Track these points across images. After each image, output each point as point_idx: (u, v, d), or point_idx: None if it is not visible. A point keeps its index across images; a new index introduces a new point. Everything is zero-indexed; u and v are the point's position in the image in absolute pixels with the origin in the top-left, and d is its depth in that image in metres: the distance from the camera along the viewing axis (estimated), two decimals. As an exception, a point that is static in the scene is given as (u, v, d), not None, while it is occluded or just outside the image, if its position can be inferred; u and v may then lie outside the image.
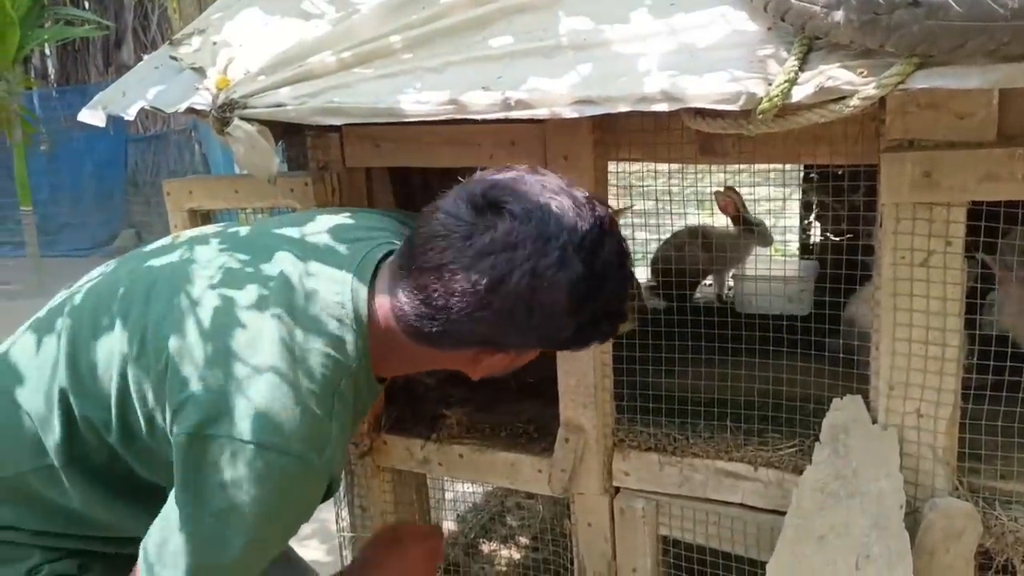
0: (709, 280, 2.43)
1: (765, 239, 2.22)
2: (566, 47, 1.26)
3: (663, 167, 1.59)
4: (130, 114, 1.46)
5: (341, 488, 1.81)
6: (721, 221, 2.26)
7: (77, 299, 1.15)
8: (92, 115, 1.50)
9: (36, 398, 1.10)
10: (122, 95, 1.50)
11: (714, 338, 1.58)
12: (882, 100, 1.11)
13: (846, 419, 1.32)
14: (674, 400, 1.52)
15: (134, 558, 1.23)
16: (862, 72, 1.07)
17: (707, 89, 1.10)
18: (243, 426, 0.99)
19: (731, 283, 2.32)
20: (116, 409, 1.07)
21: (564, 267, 1.00)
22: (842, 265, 1.41)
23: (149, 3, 10.05)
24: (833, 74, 1.07)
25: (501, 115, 1.20)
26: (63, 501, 1.13)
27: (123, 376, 1.06)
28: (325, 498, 1.10)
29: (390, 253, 1.15)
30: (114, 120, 1.51)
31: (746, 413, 1.49)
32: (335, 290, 1.07)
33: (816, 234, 2.48)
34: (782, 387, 1.48)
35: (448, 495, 2.45)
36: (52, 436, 1.09)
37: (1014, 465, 1.30)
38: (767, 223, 2.26)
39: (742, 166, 1.86)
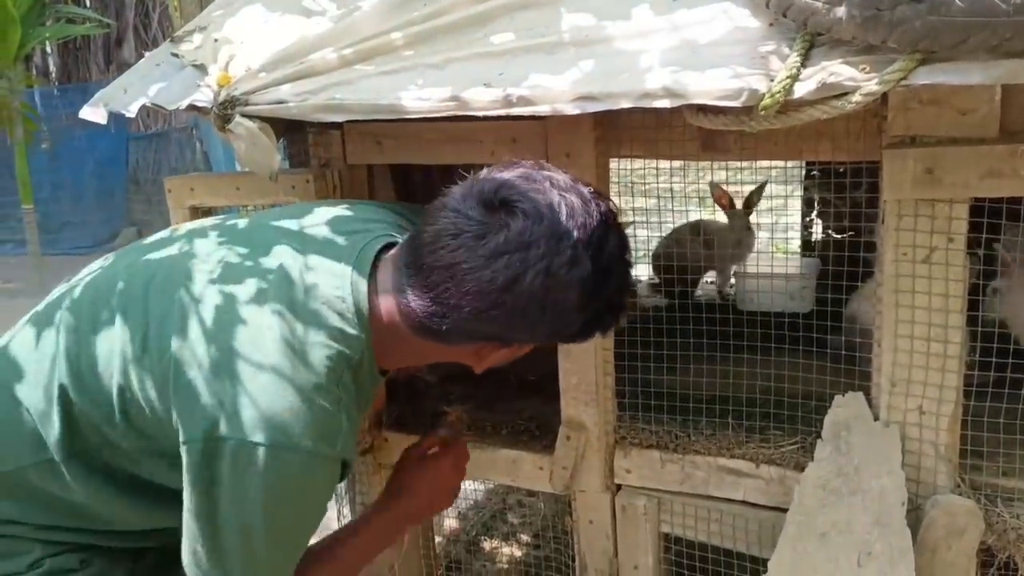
0: (711, 277, 2.43)
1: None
2: (568, 43, 1.26)
3: (664, 165, 1.58)
4: (131, 111, 1.46)
5: (342, 486, 1.81)
6: (722, 218, 2.26)
7: (76, 293, 1.15)
8: (94, 112, 1.50)
9: (35, 393, 1.10)
10: (123, 92, 1.50)
11: (716, 335, 1.58)
12: (884, 96, 1.11)
13: (848, 416, 1.31)
14: (676, 397, 1.52)
15: (136, 551, 1.24)
16: (864, 68, 1.07)
17: (709, 85, 1.10)
18: (252, 428, 0.99)
19: (733, 280, 2.31)
20: (117, 406, 1.07)
21: (576, 265, 1.01)
22: (844, 262, 1.41)
23: (150, 1, 10.04)
24: (835, 70, 1.07)
25: (503, 112, 1.20)
26: (64, 495, 1.13)
27: (125, 375, 1.06)
28: (340, 478, 1.11)
29: (388, 246, 1.15)
30: (115, 118, 1.51)
31: (748, 410, 1.49)
32: (335, 284, 1.07)
33: (818, 231, 2.47)
34: (784, 384, 1.48)
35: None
36: (52, 431, 1.09)
37: (1016, 462, 1.30)
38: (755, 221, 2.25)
39: (744, 163, 1.86)
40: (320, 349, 1.03)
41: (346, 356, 1.05)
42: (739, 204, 2.18)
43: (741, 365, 1.58)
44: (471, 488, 2.59)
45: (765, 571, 1.35)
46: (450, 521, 2.52)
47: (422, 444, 1.38)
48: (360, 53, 1.34)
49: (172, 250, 1.15)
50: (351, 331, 1.06)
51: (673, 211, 1.97)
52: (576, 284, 1.01)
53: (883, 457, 1.28)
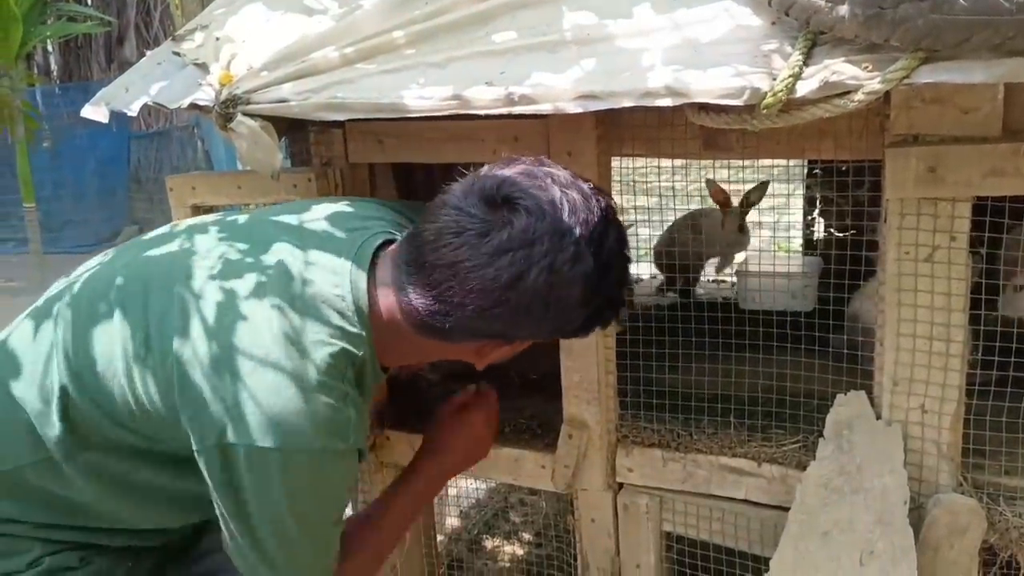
0: (715, 277, 2.42)
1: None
2: (569, 42, 1.25)
3: (665, 164, 1.58)
4: (133, 110, 1.46)
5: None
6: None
7: (75, 288, 1.14)
8: (95, 111, 1.50)
9: (34, 392, 1.09)
10: (125, 91, 1.50)
11: (718, 334, 1.58)
12: (887, 95, 1.11)
13: (850, 415, 1.31)
14: (678, 396, 1.52)
15: (136, 550, 1.24)
16: (867, 67, 1.07)
17: (711, 84, 1.10)
18: (262, 433, 1.00)
19: (734, 278, 2.31)
20: (119, 407, 1.07)
21: (578, 261, 1.01)
22: (846, 261, 1.41)
23: (151, -1, 10.05)
24: (838, 69, 1.07)
25: (504, 110, 1.20)
26: (64, 494, 1.13)
27: (128, 376, 1.06)
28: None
29: (387, 243, 1.15)
30: (117, 117, 1.51)
31: (750, 409, 1.49)
32: (334, 281, 1.07)
33: (820, 230, 2.47)
34: (786, 383, 1.48)
35: (451, 491, 2.45)
36: (50, 430, 1.09)
37: (1018, 461, 1.30)
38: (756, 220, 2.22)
39: (745, 162, 1.86)
40: (323, 347, 1.03)
41: (348, 353, 1.06)
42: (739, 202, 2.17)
43: (743, 364, 1.58)
44: (473, 487, 2.59)
45: (767, 570, 1.35)
46: (452, 519, 2.52)
47: (454, 400, 1.40)
48: (362, 52, 1.34)
49: (172, 246, 1.15)
50: (352, 329, 1.06)
51: (675, 209, 1.96)
52: (579, 280, 1.02)
53: (885, 456, 1.28)
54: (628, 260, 1.11)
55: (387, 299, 1.10)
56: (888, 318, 1.26)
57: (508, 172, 1.06)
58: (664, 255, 2.29)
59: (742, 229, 2.16)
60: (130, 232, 8.97)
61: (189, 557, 1.36)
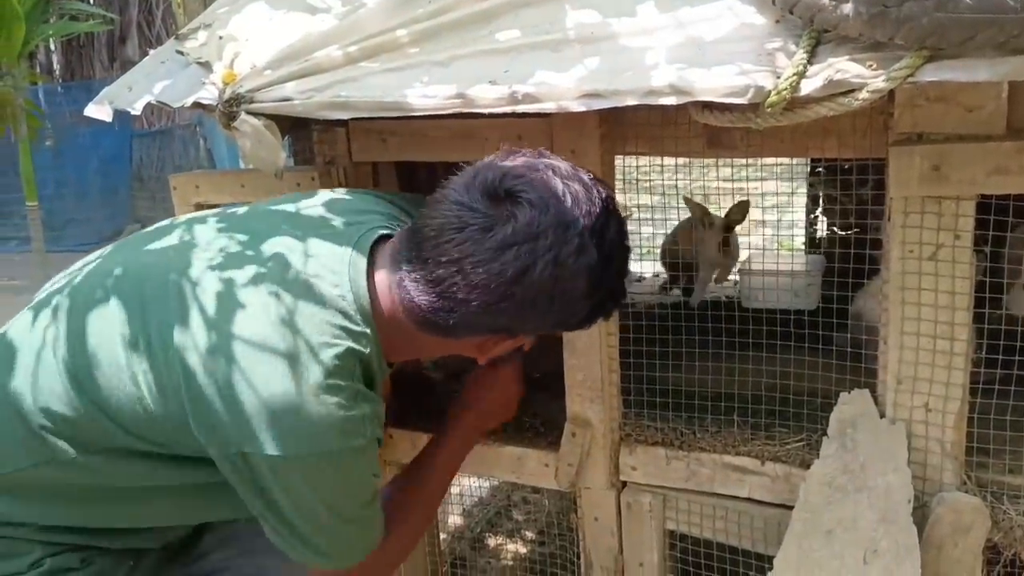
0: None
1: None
2: (573, 41, 1.25)
3: (668, 163, 1.58)
4: (136, 109, 1.46)
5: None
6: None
7: (76, 281, 1.13)
8: (98, 110, 1.50)
9: (33, 390, 1.07)
10: (128, 90, 1.50)
11: (721, 333, 1.58)
12: (891, 93, 1.11)
13: (854, 413, 1.31)
14: (681, 395, 1.52)
15: (136, 551, 1.24)
16: (871, 65, 1.06)
17: (715, 82, 1.10)
18: (279, 442, 1.00)
19: (737, 278, 2.30)
20: (125, 414, 1.05)
21: (583, 253, 1.01)
22: (849, 259, 1.41)
23: (153, -2, 10.06)
24: (842, 67, 1.07)
25: (508, 109, 1.19)
26: (65, 495, 1.12)
27: (134, 382, 1.04)
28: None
29: (383, 237, 1.14)
30: (119, 115, 1.51)
31: (753, 408, 1.49)
32: (333, 281, 1.07)
33: (823, 228, 2.47)
34: (789, 382, 1.48)
35: (454, 489, 2.45)
36: (53, 427, 1.07)
37: (1023, 460, 1.30)
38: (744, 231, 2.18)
39: (748, 160, 1.85)
40: (328, 348, 1.03)
41: (355, 351, 1.05)
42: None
43: (746, 362, 1.58)
44: (475, 485, 2.60)
45: (771, 568, 1.35)
46: (455, 518, 2.52)
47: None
48: (365, 50, 1.34)
49: (172, 238, 1.14)
50: (356, 327, 1.05)
51: (678, 208, 1.96)
52: (584, 272, 1.02)
53: (889, 454, 1.27)
54: (628, 251, 1.11)
55: (387, 296, 1.09)
56: (892, 317, 1.26)
57: (509, 164, 1.05)
58: (668, 254, 2.28)
59: (726, 247, 2.04)
60: (132, 231, 8.94)
61: (189, 557, 1.36)
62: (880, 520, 1.26)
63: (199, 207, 1.71)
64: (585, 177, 1.06)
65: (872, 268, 1.42)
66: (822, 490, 1.30)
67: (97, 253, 1.20)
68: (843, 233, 2.30)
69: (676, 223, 2.22)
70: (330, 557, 1.12)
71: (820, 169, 2.39)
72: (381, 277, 1.10)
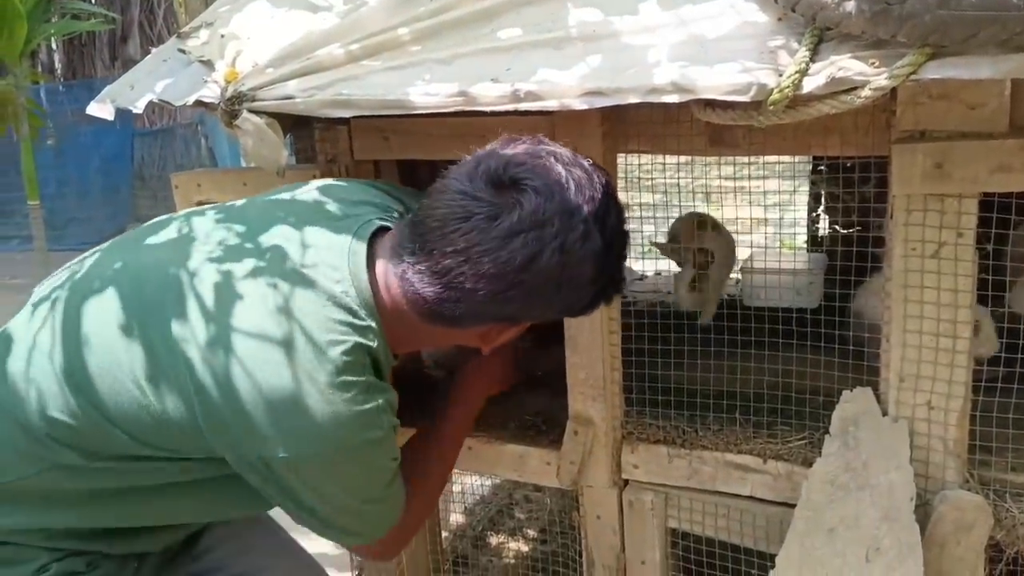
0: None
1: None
2: (575, 38, 1.25)
3: (670, 161, 1.58)
4: (139, 107, 1.46)
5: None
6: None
7: (77, 277, 1.12)
8: (101, 108, 1.50)
9: (36, 398, 1.05)
10: (130, 88, 1.50)
11: (723, 331, 1.58)
12: (893, 91, 1.11)
13: (856, 411, 1.31)
14: (683, 393, 1.52)
15: (141, 556, 1.23)
16: (873, 63, 1.06)
17: (717, 80, 1.10)
18: (299, 444, 1.00)
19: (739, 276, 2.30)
20: (130, 418, 1.04)
21: (588, 239, 1.01)
22: (851, 257, 1.41)
23: (155, -3, 10.06)
24: (844, 65, 1.07)
25: (510, 107, 1.19)
26: (72, 497, 1.11)
27: (139, 388, 1.02)
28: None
29: (381, 229, 1.14)
30: (120, 115, 1.51)
31: (755, 406, 1.49)
32: (335, 276, 1.06)
33: (824, 227, 2.47)
34: (791, 380, 1.48)
35: (456, 487, 2.45)
36: (55, 434, 1.05)
37: (1025, 457, 1.30)
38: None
39: (749, 159, 1.85)
40: (336, 346, 1.02)
41: (363, 346, 1.04)
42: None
43: (748, 361, 1.58)
44: (477, 483, 2.60)
45: (773, 567, 1.35)
46: (456, 516, 2.52)
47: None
48: (367, 49, 1.34)
49: (171, 232, 1.14)
50: (361, 322, 1.05)
51: (680, 206, 1.96)
52: (590, 258, 1.02)
53: (891, 452, 1.27)
54: (627, 235, 1.12)
55: (390, 288, 1.09)
56: (894, 314, 1.26)
57: (511, 152, 1.05)
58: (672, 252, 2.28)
59: (693, 289, 1.89)
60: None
61: (190, 555, 1.36)
62: (882, 518, 1.26)
63: (201, 205, 1.71)
64: (585, 163, 1.06)
65: (875, 266, 1.42)
66: (824, 488, 1.30)
67: (97, 248, 1.20)
68: (845, 231, 2.30)
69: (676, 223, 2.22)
70: (358, 535, 1.16)
71: (822, 167, 2.39)
72: (382, 269, 1.09)
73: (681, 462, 1.49)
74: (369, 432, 1.05)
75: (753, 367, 1.54)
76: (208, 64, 1.44)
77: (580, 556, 1.68)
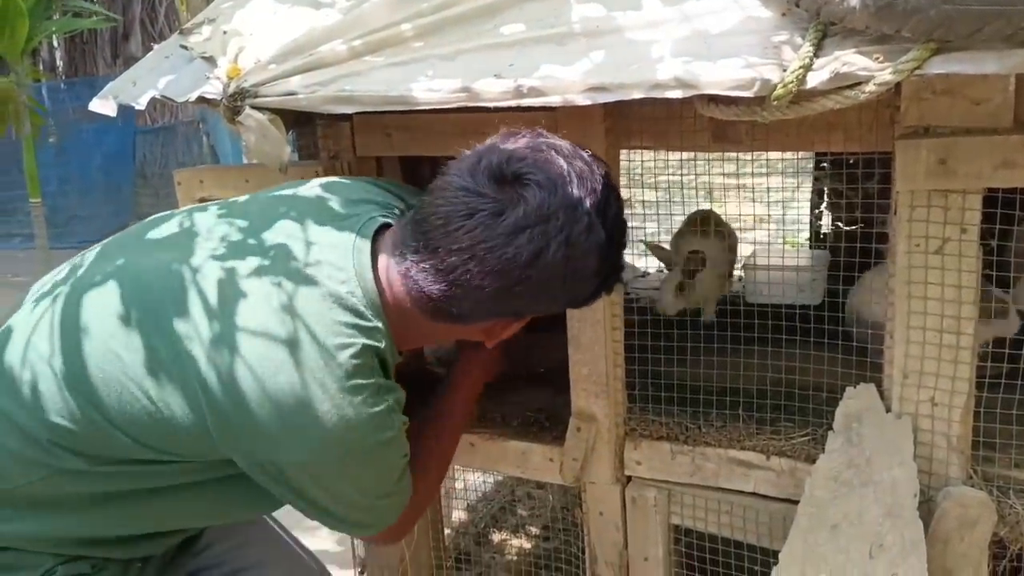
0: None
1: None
2: (578, 34, 1.25)
3: (673, 158, 1.58)
4: (141, 104, 1.46)
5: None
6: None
7: (79, 274, 1.12)
8: (103, 104, 1.50)
9: (40, 405, 1.04)
10: (133, 85, 1.50)
11: (725, 327, 1.58)
12: (897, 86, 1.11)
13: (860, 408, 1.31)
14: (686, 389, 1.52)
15: (145, 559, 1.23)
16: (878, 58, 1.06)
17: (721, 76, 1.10)
18: (310, 448, 1.00)
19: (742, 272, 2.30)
20: (133, 423, 1.02)
21: (591, 231, 1.02)
22: (854, 254, 1.41)
23: (156, -5, 10.06)
24: (848, 60, 1.07)
25: (513, 103, 1.19)
26: (75, 504, 1.10)
27: (143, 391, 1.01)
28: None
29: (384, 227, 1.14)
30: (122, 112, 1.51)
31: (758, 402, 1.48)
32: (340, 277, 1.05)
33: (827, 223, 2.46)
34: (794, 376, 1.48)
35: (458, 484, 2.45)
36: (57, 440, 1.04)
37: (1029, 454, 1.29)
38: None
39: (752, 155, 1.85)
40: (344, 349, 1.01)
41: (371, 347, 1.04)
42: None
43: (751, 357, 1.57)
44: (480, 480, 2.60)
45: (776, 563, 1.34)
46: (459, 513, 2.52)
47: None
48: (370, 45, 1.33)
49: (173, 227, 1.14)
50: (367, 323, 1.04)
51: (683, 203, 1.96)
52: (595, 250, 1.03)
53: (895, 449, 1.27)
54: (627, 224, 1.12)
55: (394, 286, 1.08)
56: (898, 311, 1.26)
57: (512, 147, 1.05)
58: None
59: (680, 293, 1.85)
60: (135, 227, 8.97)
61: (190, 552, 1.36)
62: (886, 514, 1.26)
63: (203, 202, 1.71)
64: (585, 155, 1.06)
65: (877, 262, 1.41)
66: (828, 484, 1.30)
67: (99, 244, 1.19)
68: (847, 228, 2.30)
69: (678, 222, 2.21)
70: (370, 527, 1.17)
71: (825, 163, 2.39)
72: (386, 267, 1.09)
73: (684, 458, 1.49)
74: (381, 433, 1.05)
75: (756, 363, 1.54)
76: (210, 60, 1.44)
77: (583, 553, 1.67)
